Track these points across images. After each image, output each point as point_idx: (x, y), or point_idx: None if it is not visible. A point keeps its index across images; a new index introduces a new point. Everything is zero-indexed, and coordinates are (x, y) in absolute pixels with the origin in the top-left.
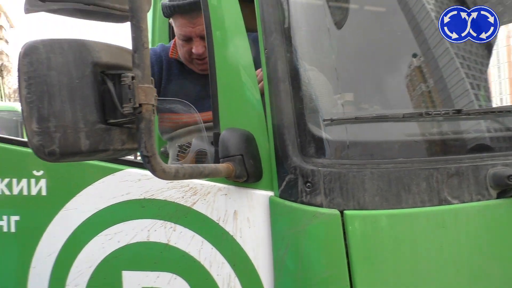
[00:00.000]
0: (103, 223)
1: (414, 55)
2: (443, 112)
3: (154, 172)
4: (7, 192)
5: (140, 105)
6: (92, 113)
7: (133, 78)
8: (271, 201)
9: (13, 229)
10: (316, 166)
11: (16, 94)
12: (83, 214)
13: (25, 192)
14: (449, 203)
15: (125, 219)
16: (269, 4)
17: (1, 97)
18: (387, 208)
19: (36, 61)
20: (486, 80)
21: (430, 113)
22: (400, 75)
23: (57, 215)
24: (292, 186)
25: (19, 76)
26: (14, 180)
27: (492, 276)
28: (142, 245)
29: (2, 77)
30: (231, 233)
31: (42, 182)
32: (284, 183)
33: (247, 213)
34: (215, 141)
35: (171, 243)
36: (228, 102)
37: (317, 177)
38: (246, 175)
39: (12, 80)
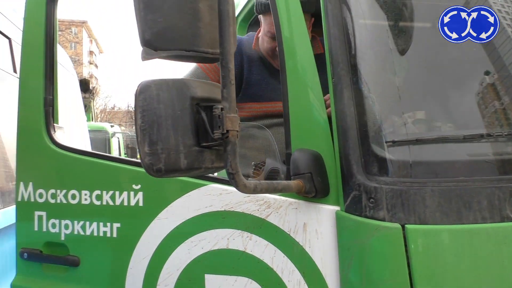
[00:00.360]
0: (189, 231)
1: (480, 77)
2: (505, 133)
3: (237, 186)
4: (111, 203)
5: (227, 131)
6: (190, 138)
7: (222, 109)
8: (338, 215)
9: (115, 235)
10: (379, 184)
11: (103, 114)
12: (172, 223)
13: (125, 203)
14: (511, 220)
15: (208, 228)
16: (337, 37)
17: (92, 118)
18: (447, 223)
19: (149, 97)
20: None
21: (491, 134)
22: (459, 97)
23: (151, 223)
24: (356, 202)
25: (135, 109)
26: (117, 193)
27: None
28: (222, 251)
29: (94, 99)
30: (300, 243)
31: (140, 195)
32: (349, 198)
33: (316, 225)
34: (287, 161)
35: (248, 251)
36: (299, 125)
37: (379, 193)
38: (315, 191)
39: (99, 102)
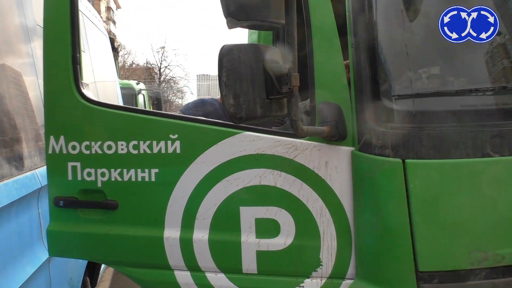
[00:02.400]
0: (225, 172)
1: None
2: (489, 88)
3: (296, 130)
4: (148, 151)
5: (293, 86)
6: (263, 92)
7: (288, 69)
8: (353, 154)
9: (153, 179)
10: (386, 129)
11: (122, 71)
12: (209, 166)
13: (163, 151)
14: (490, 156)
15: (242, 169)
16: (356, 11)
17: (118, 75)
18: (439, 158)
19: (232, 59)
20: None
21: (477, 89)
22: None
23: (189, 167)
24: (368, 143)
25: (220, 68)
26: (154, 142)
27: None
28: (255, 187)
29: (118, 58)
30: (323, 177)
31: (177, 143)
32: (362, 141)
33: (335, 162)
34: (311, 111)
35: (278, 185)
36: (323, 82)
37: (386, 136)
38: (338, 135)
39: (118, 58)
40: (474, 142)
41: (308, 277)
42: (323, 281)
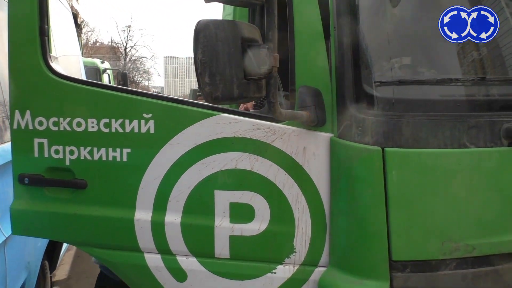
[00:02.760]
0: (200, 155)
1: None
2: (469, 78)
3: (274, 113)
4: (120, 130)
5: (272, 67)
6: (241, 72)
7: (268, 49)
8: (332, 140)
9: (125, 159)
10: (366, 115)
11: (85, 49)
12: (184, 148)
13: (136, 130)
14: (466, 147)
15: (218, 152)
16: None
17: (81, 52)
18: (417, 147)
19: (209, 35)
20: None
21: (458, 79)
22: (435, 48)
23: (162, 148)
24: (347, 130)
25: (195, 44)
26: (127, 121)
27: (493, 204)
28: (231, 171)
29: (81, 35)
30: (300, 163)
31: (151, 123)
32: (342, 127)
33: (314, 149)
34: (291, 96)
35: (254, 170)
36: (303, 66)
37: (366, 123)
38: (317, 121)
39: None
40: (452, 133)
41: (281, 263)
42: (296, 267)
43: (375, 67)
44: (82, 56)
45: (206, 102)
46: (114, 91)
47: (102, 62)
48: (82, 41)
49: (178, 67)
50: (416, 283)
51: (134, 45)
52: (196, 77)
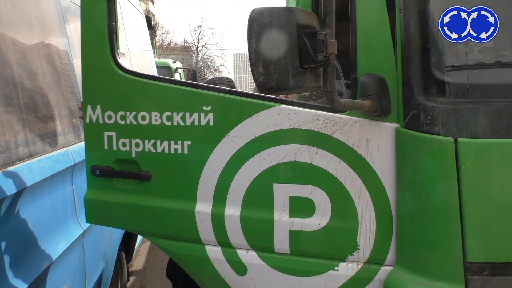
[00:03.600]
0: (259, 147)
1: None
2: None
3: (333, 103)
4: (181, 123)
5: (329, 54)
6: (296, 60)
7: (325, 35)
8: (398, 131)
9: (186, 151)
10: (436, 103)
11: (160, 51)
12: (243, 140)
13: (196, 123)
14: None
15: (276, 144)
16: None
17: (155, 54)
18: (496, 138)
19: (263, 23)
20: None
21: None
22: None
23: (222, 140)
24: (415, 119)
25: (249, 33)
26: (187, 114)
27: None
28: (290, 164)
29: (155, 37)
30: (363, 155)
31: (210, 116)
32: (409, 116)
33: (377, 140)
34: (352, 84)
35: (314, 163)
36: (366, 52)
37: (436, 111)
38: (381, 110)
39: (156, 38)
40: None
41: (344, 261)
42: (360, 266)
43: (447, 49)
44: (157, 57)
45: (260, 93)
46: (175, 84)
47: (174, 62)
48: (157, 43)
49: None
50: None
51: (205, 43)
52: (250, 68)
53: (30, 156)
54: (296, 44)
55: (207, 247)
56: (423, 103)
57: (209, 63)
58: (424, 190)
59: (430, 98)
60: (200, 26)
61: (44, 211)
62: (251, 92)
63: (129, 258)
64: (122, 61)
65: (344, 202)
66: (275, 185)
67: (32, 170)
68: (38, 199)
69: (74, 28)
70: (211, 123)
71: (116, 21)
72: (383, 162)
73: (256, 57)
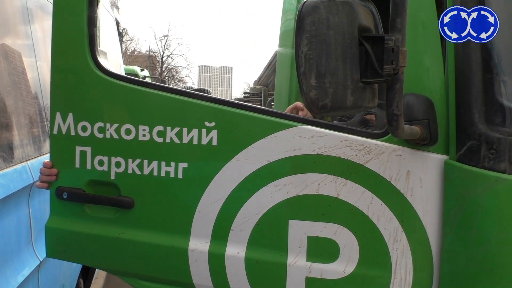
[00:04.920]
0: (273, 175)
1: None
2: None
3: (397, 129)
4: (176, 141)
5: (399, 67)
6: (357, 72)
7: (395, 41)
8: (448, 164)
9: (180, 175)
10: (503, 135)
11: (123, 58)
12: (254, 165)
13: (195, 142)
14: None
15: (295, 172)
16: None
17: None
18: None
19: (318, 20)
20: None
21: None
22: None
23: (226, 165)
24: (473, 152)
25: (299, 33)
26: (185, 130)
27: None
28: (311, 197)
29: (122, 43)
30: (402, 191)
31: (213, 133)
32: (465, 148)
33: (420, 173)
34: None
35: (341, 197)
36: (409, 67)
37: (503, 144)
38: (429, 138)
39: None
40: None
41: None
42: None
43: None
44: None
45: (309, 111)
46: (172, 93)
47: (142, 70)
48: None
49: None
50: None
51: (171, 54)
52: (297, 78)
53: None
54: (357, 51)
55: None
56: (485, 133)
57: (174, 74)
58: (482, 238)
59: (494, 127)
60: (166, 36)
61: None
62: (265, 108)
63: (87, 284)
64: (103, 61)
65: (376, 246)
66: (291, 222)
67: None
68: None
69: (40, 27)
70: (214, 143)
71: (97, 12)
72: (426, 201)
73: (307, 65)
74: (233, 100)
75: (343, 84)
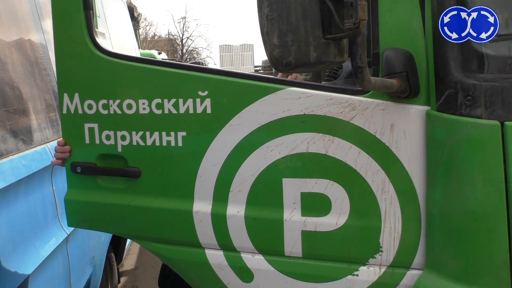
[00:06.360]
0: (265, 137)
1: None
2: None
3: (363, 81)
4: (174, 111)
5: (359, 21)
6: (319, 29)
7: None
8: (428, 114)
9: (180, 144)
10: (478, 81)
11: (144, 43)
12: (246, 129)
13: (191, 111)
14: None
15: (285, 132)
16: None
17: (138, 46)
18: None
19: None
20: None
21: None
22: None
23: (221, 130)
24: (451, 100)
25: None
26: (180, 100)
27: None
28: (302, 155)
29: (138, 28)
30: (387, 144)
31: (207, 102)
32: (443, 97)
33: (403, 126)
34: (373, 60)
35: (329, 154)
36: (389, 22)
37: (478, 90)
38: (409, 91)
39: (140, 30)
40: None
41: (364, 264)
42: (383, 269)
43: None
44: (141, 49)
45: (275, 70)
46: (165, 67)
47: (159, 53)
48: (141, 36)
49: (233, 55)
50: None
51: (190, 35)
52: (261, 39)
53: (0, 155)
54: (318, 8)
55: (207, 251)
56: (461, 80)
57: (195, 55)
58: (462, 184)
59: (470, 74)
60: (184, 18)
61: (20, 216)
62: (253, 74)
63: (119, 258)
64: (101, 41)
65: (365, 198)
66: (285, 180)
67: (3, 171)
68: (12, 204)
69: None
70: (209, 111)
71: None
72: (410, 152)
73: (269, 25)
74: (223, 69)
75: (305, 41)
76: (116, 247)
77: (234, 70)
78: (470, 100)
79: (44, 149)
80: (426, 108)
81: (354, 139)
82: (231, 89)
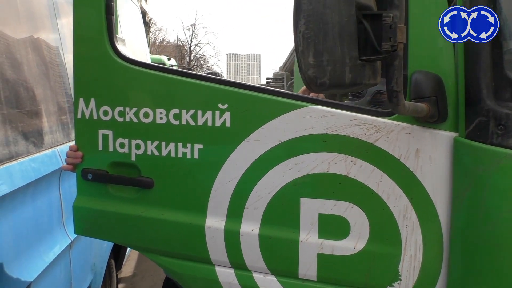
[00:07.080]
0: (285, 154)
1: None
2: None
3: (397, 106)
4: (191, 123)
5: (397, 44)
6: (355, 49)
7: (393, 18)
8: (457, 142)
9: (196, 156)
10: (511, 110)
11: (153, 48)
12: (265, 145)
13: (209, 123)
14: None
15: (306, 151)
16: None
17: (149, 50)
18: None
19: (315, 0)
20: None
21: None
22: None
23: (240, 145)
24: (482, 128)
25: (297, 13)
26: (199, 112)
27: None
28: (322, 175)
29: (149, 33)
30: (411, 169)
31: (227, 115)
32: (474, 124)
33: (430, 151)
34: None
35: (351, 175)
36: (419, 44)
37: (511, 120)
38: (438, 116)
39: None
40: None
41: None
42: None
43: None
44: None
45: (309, 89)
46: (186, 77)
47: (169, 59)
48: (150, 40)
49: (240, 64)
50: None
51: (199, 42)
52: (296, 57)
53: (11, 157)
54: (355, 29)
55: (218, 269)
56: (494, 109)
57: (202, 62)
58: (490, 214)
59: (502, 103)
60: (194, 25)
61: (26, 221)
62: (275, 89)
63: (118, 265)
64: (121, 47)
65: (386, 223)
66: (303, 200)
67: (12, 174)
68: (19, 208)
69: (66, 21)
70: (228, 124)
71: (115, 2)
72: (435, 178)
73: (305, 44)
74: (244, 83)
75: (341, 62)
76: (117, 254)
77: (257, 85)
78: (502, 129)
79: (54, 152)
80: (453, 134)
81: (377, 162)
82: (252, 104)
